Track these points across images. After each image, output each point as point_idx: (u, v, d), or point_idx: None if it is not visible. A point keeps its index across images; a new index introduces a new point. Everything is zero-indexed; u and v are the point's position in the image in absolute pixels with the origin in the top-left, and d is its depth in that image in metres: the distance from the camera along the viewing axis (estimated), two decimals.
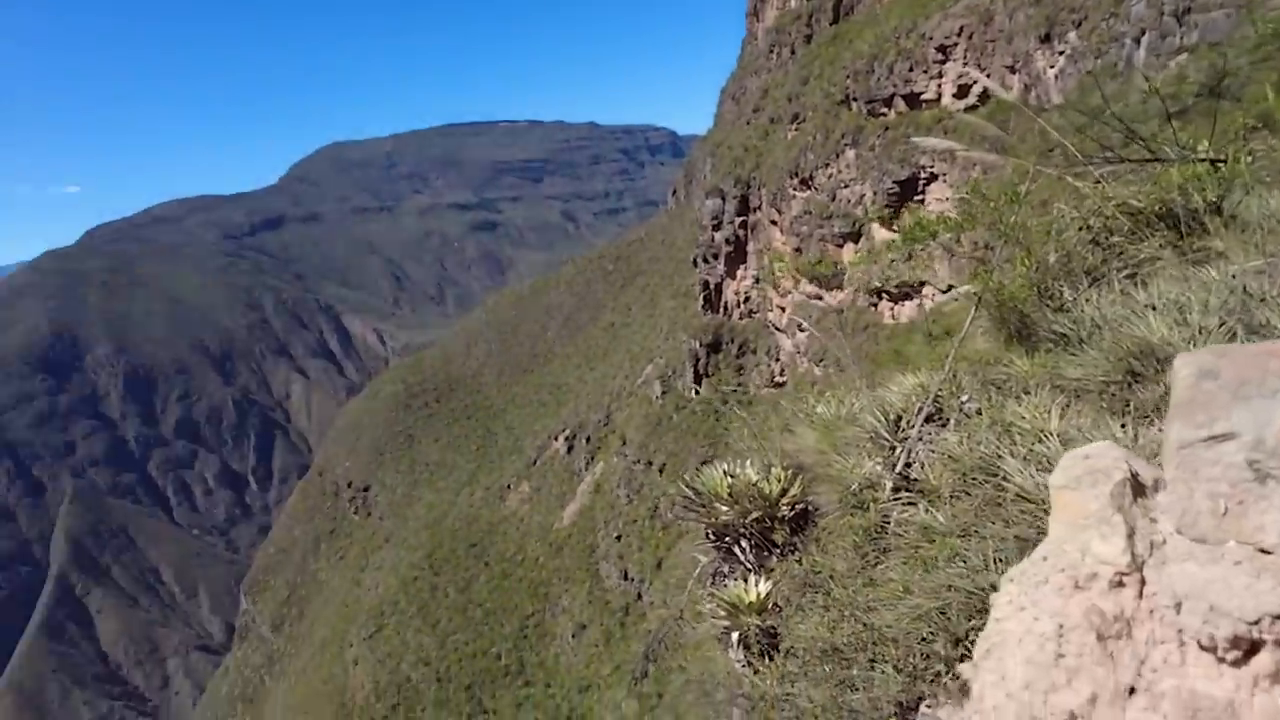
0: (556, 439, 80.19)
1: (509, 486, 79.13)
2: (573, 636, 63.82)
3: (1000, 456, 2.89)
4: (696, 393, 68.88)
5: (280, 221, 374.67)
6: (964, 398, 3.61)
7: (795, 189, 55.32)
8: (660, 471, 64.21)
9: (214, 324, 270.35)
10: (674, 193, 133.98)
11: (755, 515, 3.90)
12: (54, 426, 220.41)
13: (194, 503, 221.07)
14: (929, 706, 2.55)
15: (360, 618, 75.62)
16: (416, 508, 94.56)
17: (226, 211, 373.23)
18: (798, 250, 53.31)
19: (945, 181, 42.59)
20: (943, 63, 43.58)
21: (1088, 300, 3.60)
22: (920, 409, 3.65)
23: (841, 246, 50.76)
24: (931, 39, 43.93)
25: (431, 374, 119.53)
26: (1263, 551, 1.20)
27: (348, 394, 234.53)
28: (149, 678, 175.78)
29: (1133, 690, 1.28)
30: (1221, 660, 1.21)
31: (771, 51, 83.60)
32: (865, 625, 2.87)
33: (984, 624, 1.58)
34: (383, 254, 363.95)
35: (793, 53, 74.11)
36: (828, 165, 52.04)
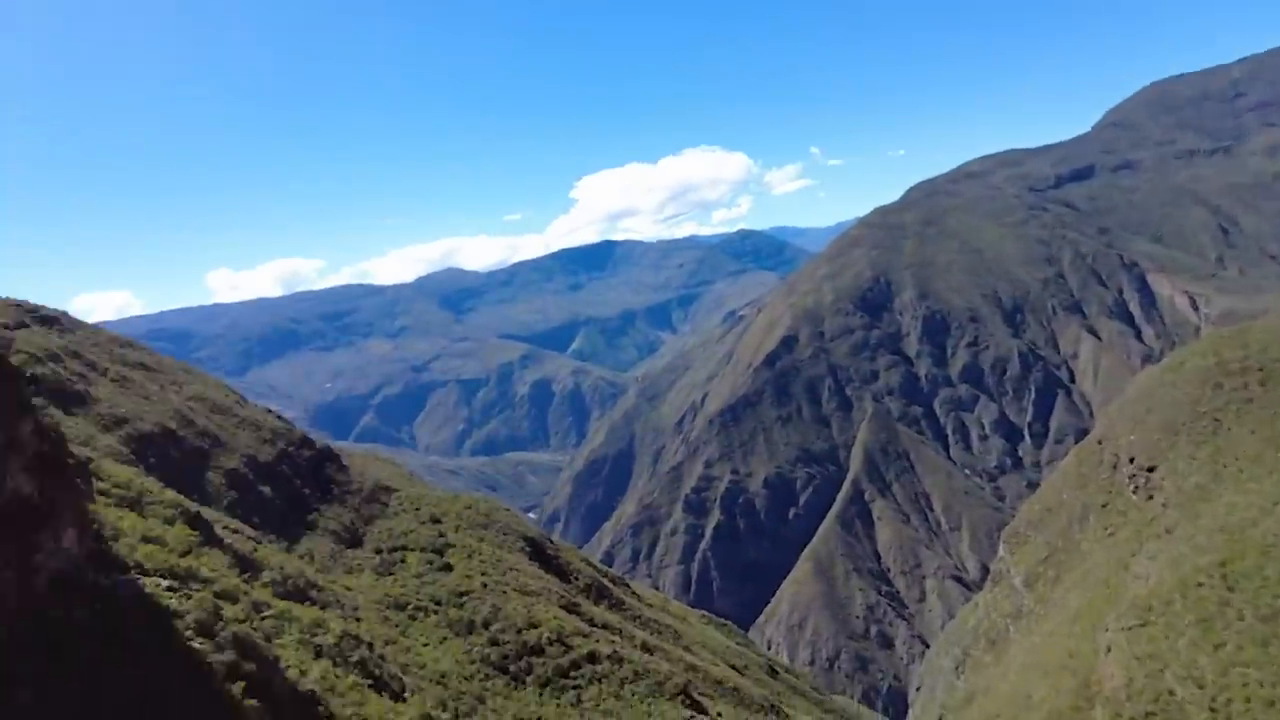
0: None
1: None
2: None
3: None
4: None
5: (1089, 172, 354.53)
6: None
7: None
8: None
9: (1008, 276, 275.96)
10: None
11: None
12: (864, 356, 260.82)
13: (969, 444, 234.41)
14: None
15: (1122, 605, 68.47)
16: (1214, 505, 79.64)
17: (1033, 164, 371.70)
18: None
19: None
20: None
21: None
22: None
23: None
24: None
25: (1259, 350, 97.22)
26: None
27: (1143, 361, 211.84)
28: (909, 588, 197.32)
29: None
30: None
31: None
32: None
33: None
34: (1209, 203, 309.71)
35: None
36: None
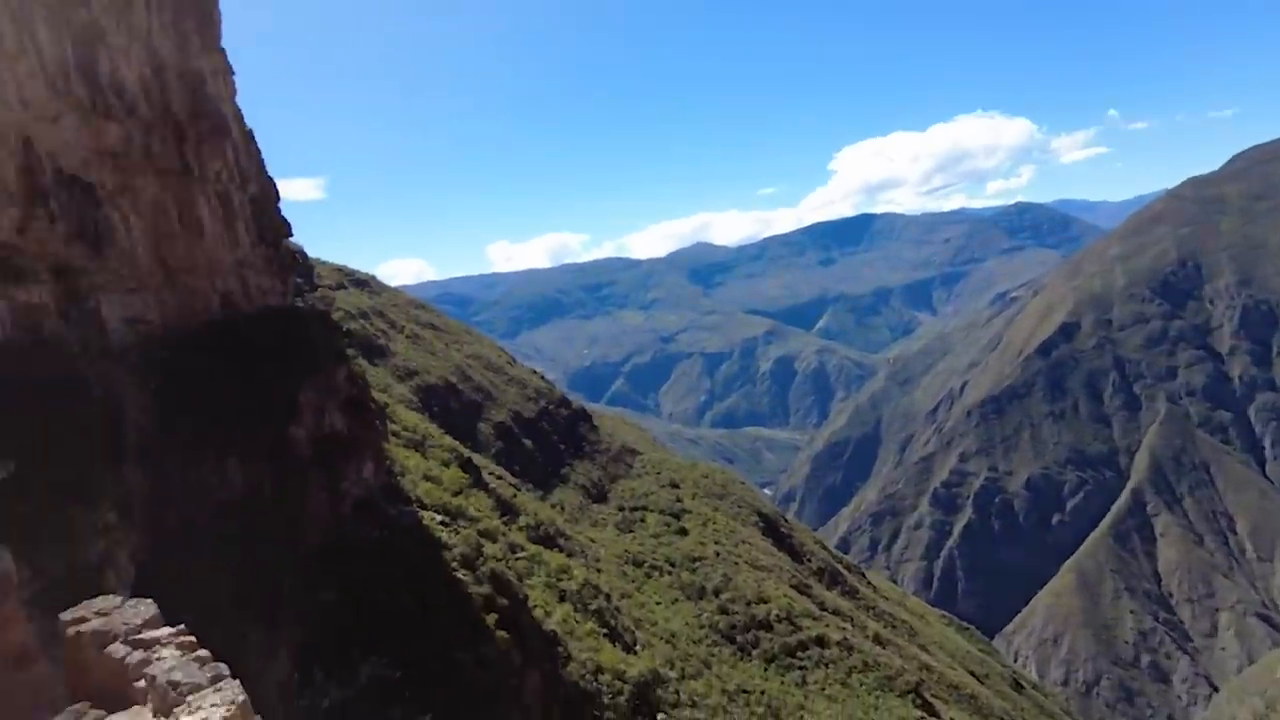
0: None
1: None
2: None
3: None
4: None
5: None
6: None
7: None
8: None
9: None
10: None
11: None
12: (1160, 350, 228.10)
13: None
14: None
15: None
16: None
17: None
18: None
19: None
20: None
21: None
22: None
23: None
24: None
25: None
26: None
27: None
28: (1196, 619, 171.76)
29: None
30: None
31: None
32: None
33: None
34: None
35: None
36: None
